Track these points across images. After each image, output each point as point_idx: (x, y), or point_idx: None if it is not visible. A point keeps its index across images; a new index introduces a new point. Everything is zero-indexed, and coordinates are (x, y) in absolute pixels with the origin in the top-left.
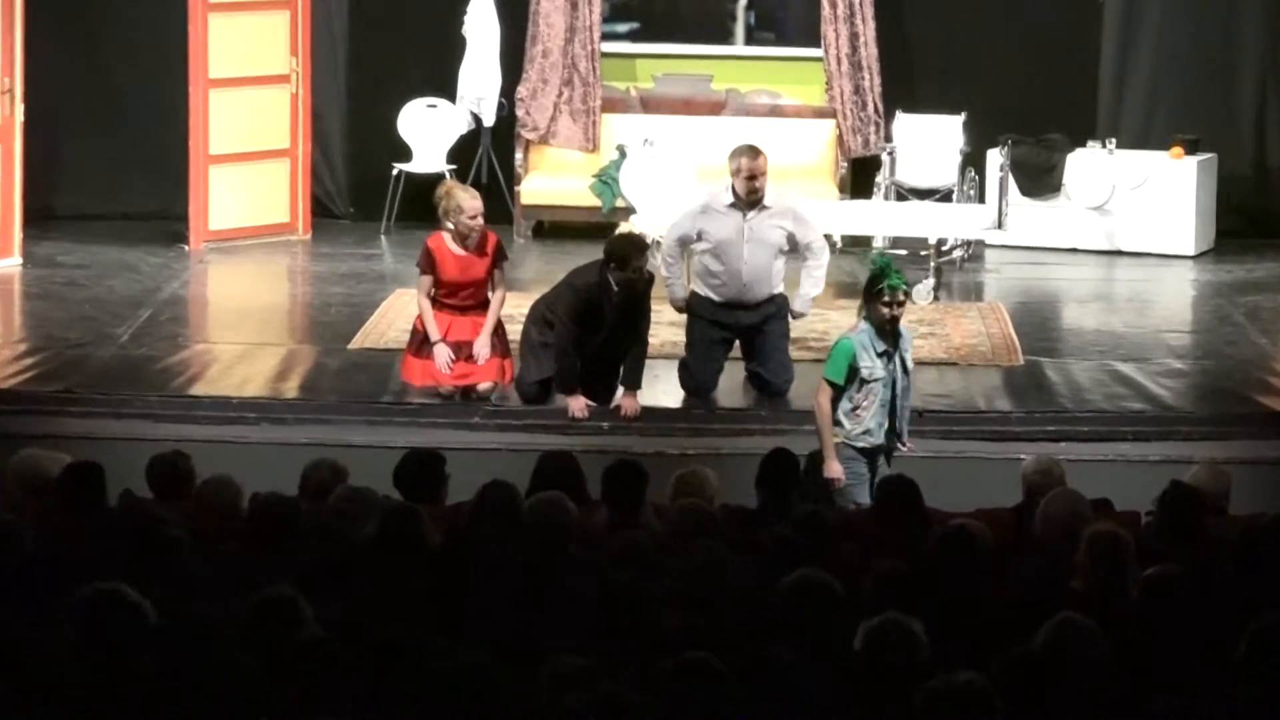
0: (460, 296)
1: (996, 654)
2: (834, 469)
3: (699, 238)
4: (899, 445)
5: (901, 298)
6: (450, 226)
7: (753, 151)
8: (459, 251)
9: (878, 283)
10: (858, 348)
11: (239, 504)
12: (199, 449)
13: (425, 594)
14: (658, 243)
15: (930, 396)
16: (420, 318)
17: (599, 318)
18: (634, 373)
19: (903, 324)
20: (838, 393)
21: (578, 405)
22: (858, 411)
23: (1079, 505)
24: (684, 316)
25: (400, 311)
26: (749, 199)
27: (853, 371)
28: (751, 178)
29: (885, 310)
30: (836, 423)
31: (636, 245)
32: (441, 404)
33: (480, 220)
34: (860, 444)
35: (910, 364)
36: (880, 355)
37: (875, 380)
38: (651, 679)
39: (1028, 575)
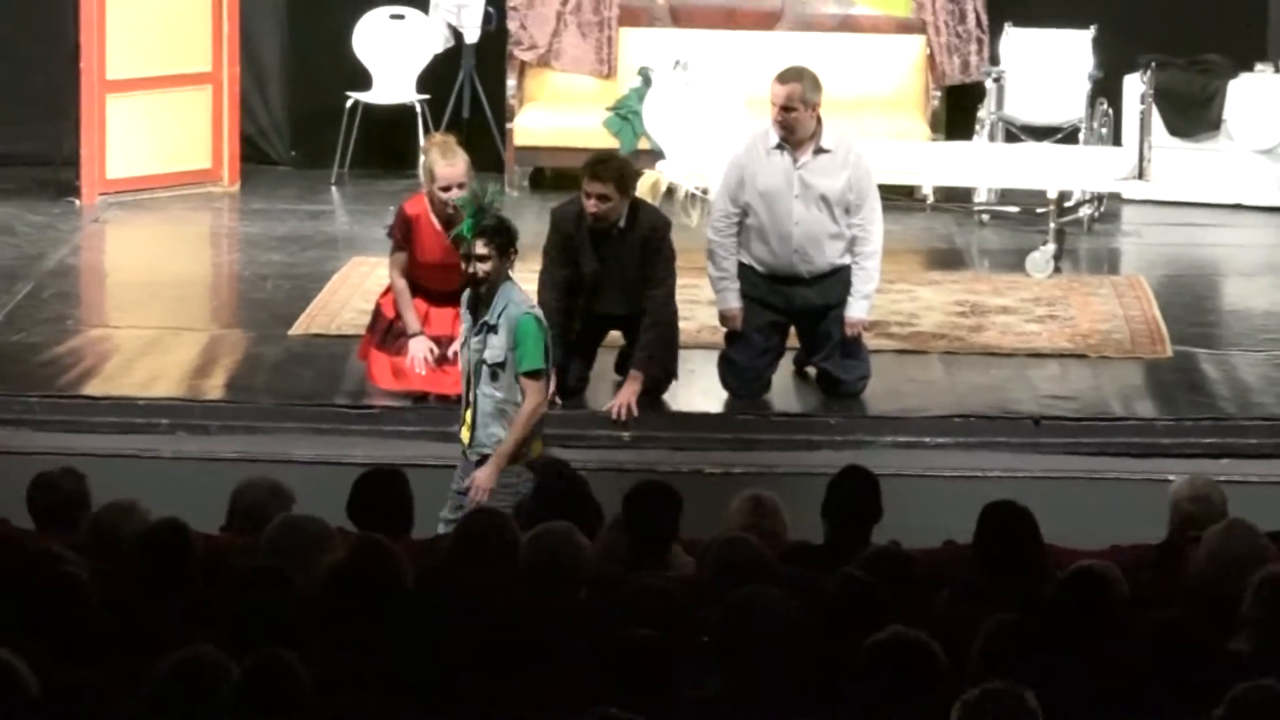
0: (440, 281)
1: None
2: None
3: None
4: None
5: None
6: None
7: (784, 75)
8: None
9: None
10: None
11: None
12: (95, 465)
13: (393, 654)
14: (694, 197)
15: (1050, 399)
16: (387, 297)
17: (574, 256)
18: (645, 350)
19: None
20: None
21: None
22: None
23: (1254, 540)
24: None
25: (356, 287)
26: (786, 138)
27: None
28: (778, 108)
29: None
30: None
31: (598, 169)
32: (412, 408)
33: (457, 193)
34: None
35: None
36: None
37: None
38: None
39: (1175, 632)
